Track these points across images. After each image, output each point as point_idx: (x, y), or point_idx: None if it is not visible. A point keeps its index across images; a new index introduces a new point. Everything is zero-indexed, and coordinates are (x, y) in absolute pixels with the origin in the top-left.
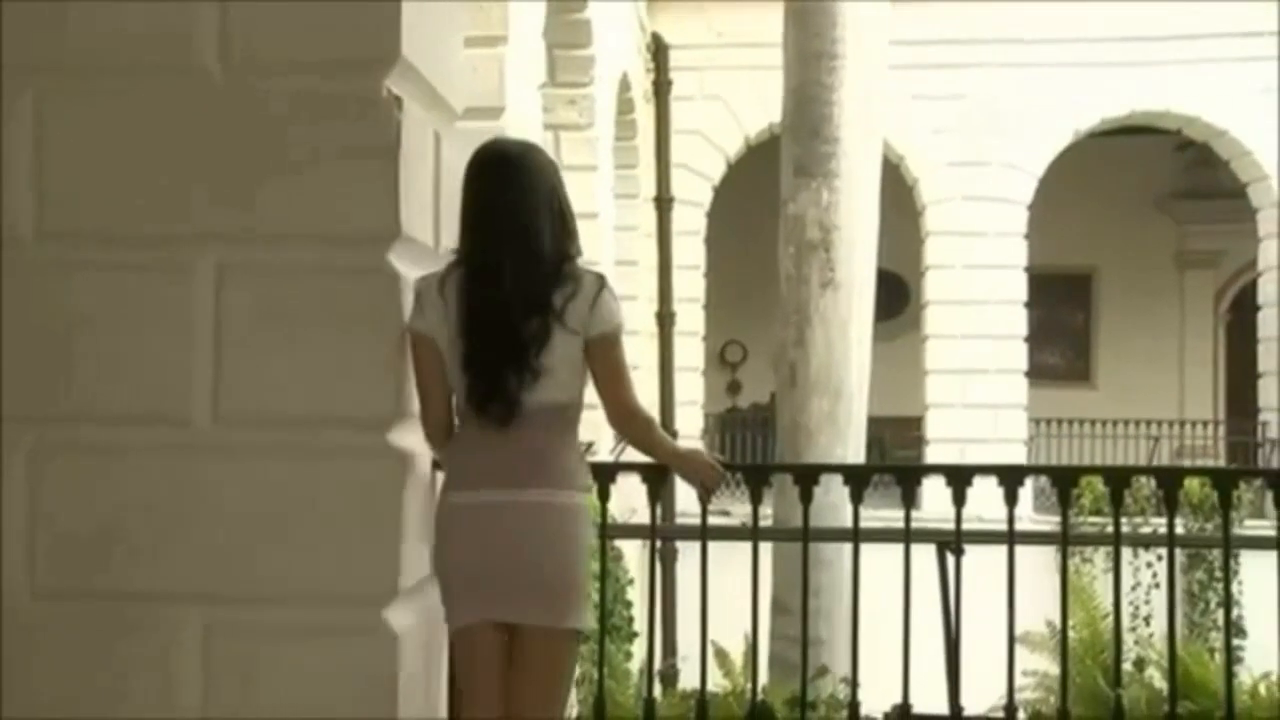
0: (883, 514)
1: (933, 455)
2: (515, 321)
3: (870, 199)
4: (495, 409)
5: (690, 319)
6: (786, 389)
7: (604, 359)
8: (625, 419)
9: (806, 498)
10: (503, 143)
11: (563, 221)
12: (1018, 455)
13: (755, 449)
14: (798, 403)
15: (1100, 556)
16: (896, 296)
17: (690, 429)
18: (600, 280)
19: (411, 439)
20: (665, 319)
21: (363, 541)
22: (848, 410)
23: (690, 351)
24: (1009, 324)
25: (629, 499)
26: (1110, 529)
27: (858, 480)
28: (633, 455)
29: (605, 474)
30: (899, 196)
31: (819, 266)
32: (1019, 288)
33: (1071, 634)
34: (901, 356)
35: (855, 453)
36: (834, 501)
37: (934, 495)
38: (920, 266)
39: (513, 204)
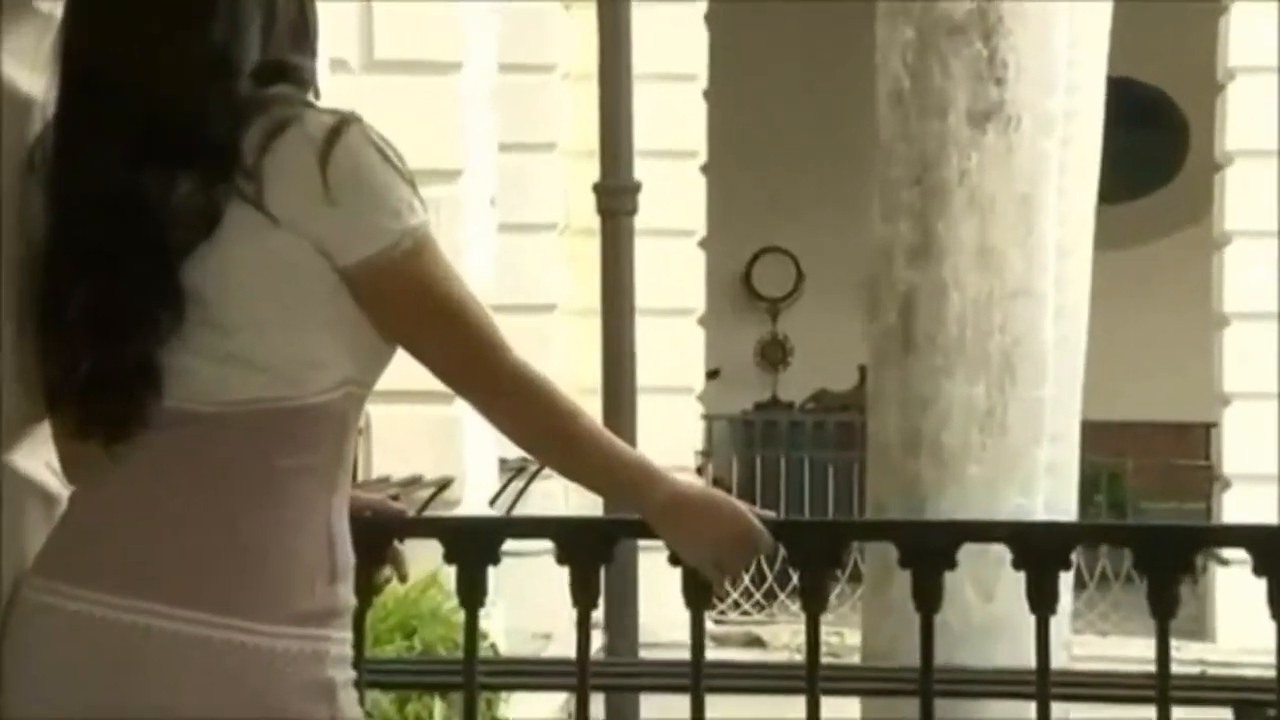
0: (1111, 647)
1: (1237, 509)
2: (133, 201)
3: None
4: (94, 415)
5: (674, 201)
6: (891, 357)
7: (394, 302)
8: (495, 404)
9: (930, 600)
10: None
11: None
12: None
13: (812, 489)
14: (915, 386)
15: None
16: (1156, 149)
17: (674, 444)
18: (343, 128)
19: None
20: (614, 199)
21: None
22: (1032, 404)
23: (673, 274)
24: None
25: (531, 600)
26: None
27: (1058, 560)
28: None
29: (478, 542)
30: None
31: (969, 73)
32: None
33: None
34: (1164, 287)
35: (1056, 501)
36: (1004, 613)
37: (1235, 607)
38: (1213, 89)
39: None
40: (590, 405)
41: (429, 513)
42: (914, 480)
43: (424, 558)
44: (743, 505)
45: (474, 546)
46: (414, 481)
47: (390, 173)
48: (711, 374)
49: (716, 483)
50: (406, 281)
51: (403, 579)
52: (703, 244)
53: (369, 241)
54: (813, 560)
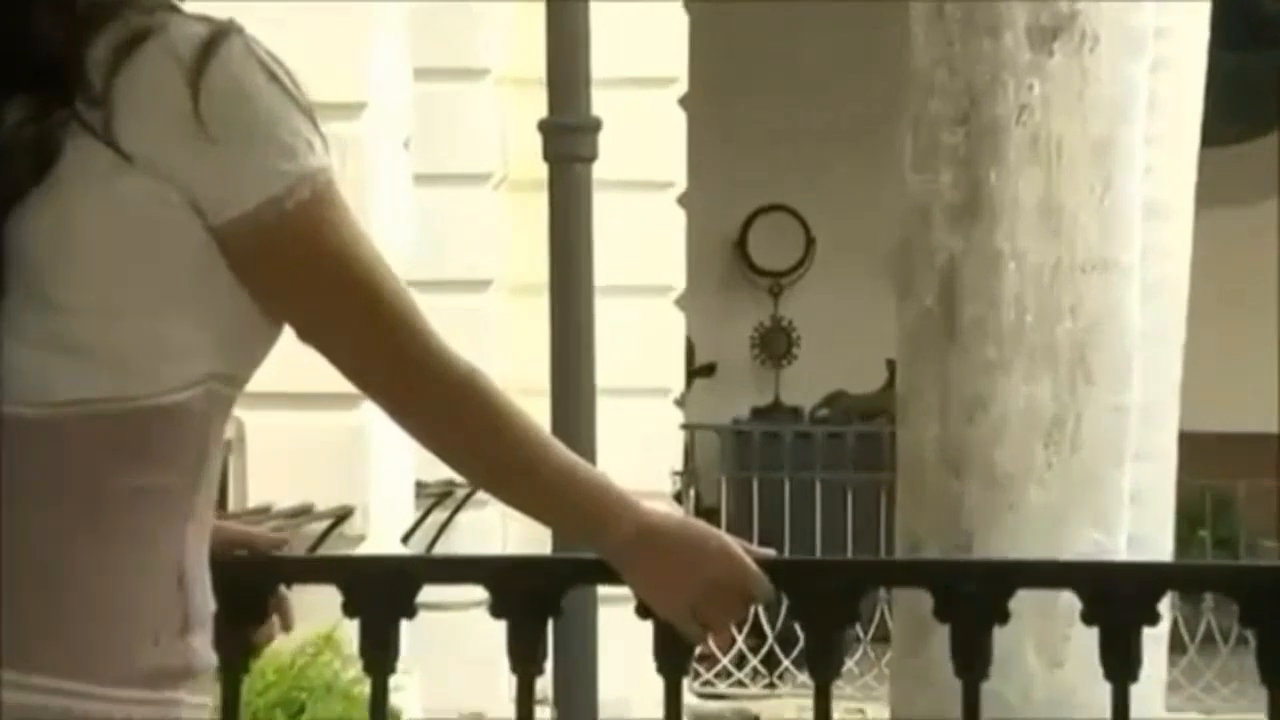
0: None
1: None
2: None
3: None
4: None
5: (645, 144)
6: (928, 349)
7: (284, 270)
8: (413, 407)
9: (977, 665)
10: None
11: None
12: None
13: (826, 521)
14: (960, 387)
15: None
16: (1273, 78)
17: (645, 463)
18: (220, 41)
19: None
20: (565, 141)
21: None
22: (1112, 411)
23: (644, 240)
24: None
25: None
26: None
27: (1144, 612)
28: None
29: (387, 588)
30: None
31: None
32: None
33: None
34: None
35: (1144, 536)
36: (1075, 682)
37: None
38: None
39: None
40: (536, 410)
41: (323, 551)
42: (957, 508)
43: (316, 610)
44: (733, 540)
45: (382, 595)
46: (304, 511)
47: (282, 100)
48: (698, 371)
49: (702, 514)
50: (301, 243)
51: (287, 629)
52: (683, 200)
53: (253, 189)
54: (825, 613)
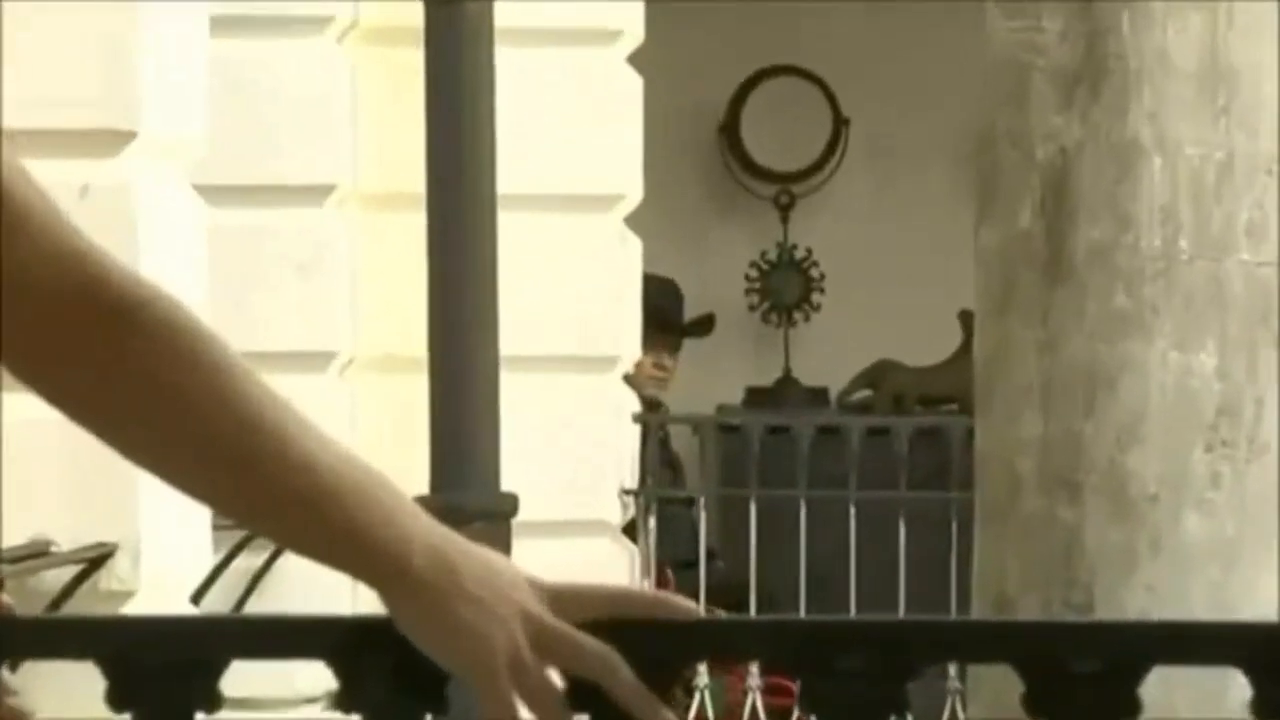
0: None
1: None
2: None
3: None
4: None
5: None
6: (1022, 295)
7: None
8: (61, 368)
9: None
10: None
11: None
12: None
13: (861, 561)
14: (1073, 354)
15: None
16: None
17: (580, 471)
18: None
19: None
20: None
21: None
22: None
23: (577, 122)
24: None
25: None
26: None
27: None
28: None
29: (172, 667)
30: None
31: None
32: None
33: None
34: None
35: None
36: None
37: None
38: None
39: None
40: (412, 388)
41: (70, 612)
42: (1069, 545)
43: (66, 699)
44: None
45: (167, 677)
46: (37, 554)
47: None
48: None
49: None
50: None
51: None
52: (635, 59)
53: None
54: (856, 705)
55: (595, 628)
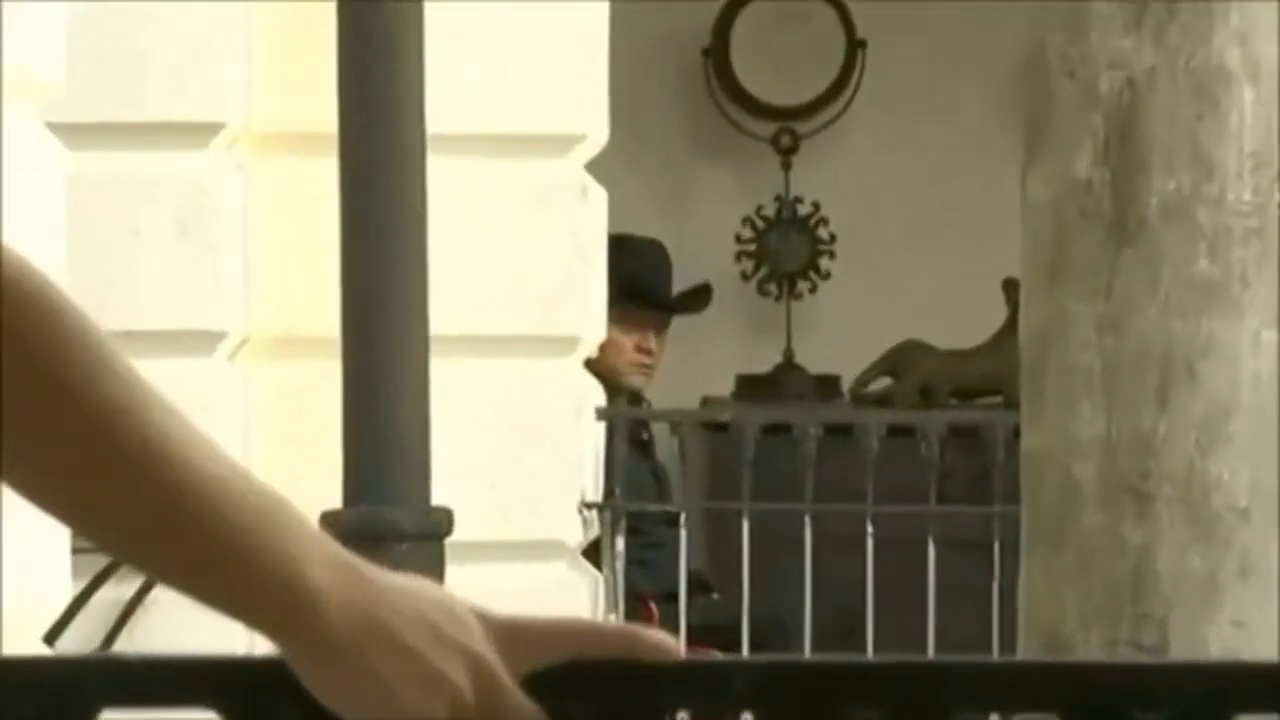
0: None
1: None
2: None
3: None
4: None
5: None
6: (1078, 262)
7: None
8: None
9: None
10: None
11: None
12: None
13: (880, 589)
14: (1140, 333)
15: None
16: None
17: (533, 480)
18: None
19: None
20: None
21: None
22: None
23: (524, 48)
24: None
25: None
26: None
27: None
28: None
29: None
30: None
31: None
32: None
33: None
34: None
35: None
36: None
37: None
38: None
39: None
40: (320, 376)
41: None
42: (1139, 571)
43: None
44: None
45: None
46: None
47: None
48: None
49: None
50: None
51: None
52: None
53: None
54: None
55: (556, 673)
